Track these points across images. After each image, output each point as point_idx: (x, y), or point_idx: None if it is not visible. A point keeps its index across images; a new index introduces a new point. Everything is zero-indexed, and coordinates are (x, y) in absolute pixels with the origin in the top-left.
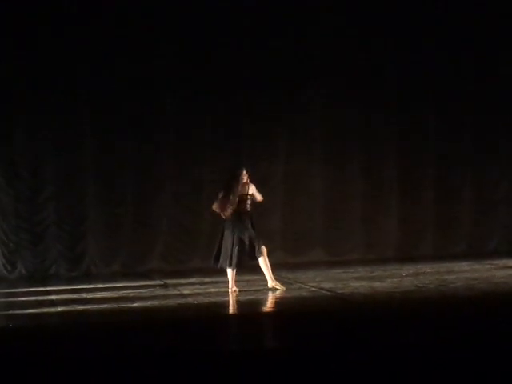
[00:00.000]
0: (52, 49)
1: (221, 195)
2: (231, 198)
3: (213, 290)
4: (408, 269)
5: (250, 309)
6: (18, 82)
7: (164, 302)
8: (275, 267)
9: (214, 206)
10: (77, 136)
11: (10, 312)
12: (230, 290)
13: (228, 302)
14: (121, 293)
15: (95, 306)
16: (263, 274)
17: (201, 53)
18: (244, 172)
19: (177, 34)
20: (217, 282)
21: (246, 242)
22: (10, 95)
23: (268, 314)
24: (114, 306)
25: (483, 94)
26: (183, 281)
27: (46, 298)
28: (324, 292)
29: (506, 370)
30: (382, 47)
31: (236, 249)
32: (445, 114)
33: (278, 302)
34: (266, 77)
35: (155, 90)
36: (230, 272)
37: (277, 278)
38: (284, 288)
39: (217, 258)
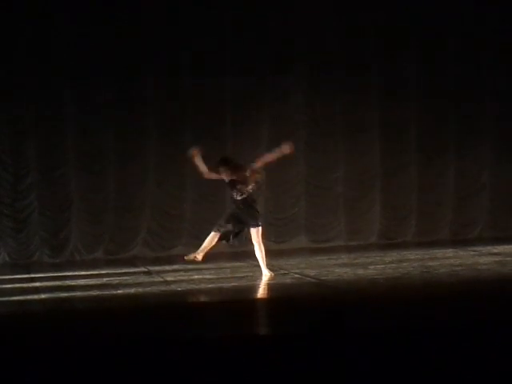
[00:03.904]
0: (40, 33)
1: None
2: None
3: (196, 276)
4: (391, 255)
5: (234, 296)
6: None
7: (148, 289)
8: None
9: None
10: (60, 122)
11: None
12: None
13: (212, 288)
14: (104, 280)
15: (79, 293)
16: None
17: (184, 39)
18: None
19: (161, 20)
20: (200, 269)
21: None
22: None
23: (252, 301)
24: (98, 292)
25: (467, 83)
26: (167, 267)
27: (29, 284)
28: (308, 279)
29: (489, 353)
30: (366, 33)
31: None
32: (428, 102)
33: (262, 289)
34: (249, 62)
35: (139, 77)
36: None
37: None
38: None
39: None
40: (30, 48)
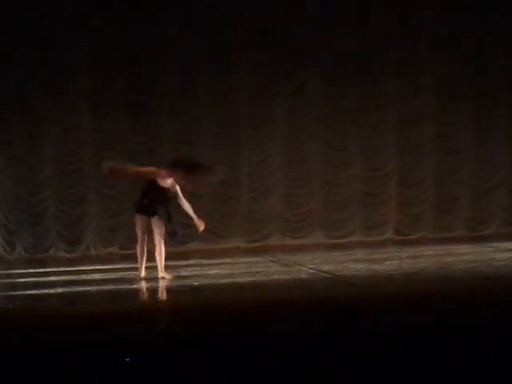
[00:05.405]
0: (53, 28)
1: None
2: None
3: (211, 272)
4: (407, 251)
5: (251, 292)
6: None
7: (163, 284)
8: (275, 249)
9: None
10: (74, 118)
11: (10, 293)
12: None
13: (226, 284)
14: (119, 274)
15: (94, 288)
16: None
17: (197, 35)
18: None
19: (173, 18)
20: (215, 264)
21: None
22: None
23: (268, 298)
24: (113, 287)
25: (483, 75)
26: (182, 262)
27: (45, 279)
28: (323, 274)
29: (502, 349)
30: (381, 24)
31: None
32: (444, 95)
33: (279, 285)
34: (263, 59)
35: (152, 72)
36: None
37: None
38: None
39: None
40: (41, 44)
